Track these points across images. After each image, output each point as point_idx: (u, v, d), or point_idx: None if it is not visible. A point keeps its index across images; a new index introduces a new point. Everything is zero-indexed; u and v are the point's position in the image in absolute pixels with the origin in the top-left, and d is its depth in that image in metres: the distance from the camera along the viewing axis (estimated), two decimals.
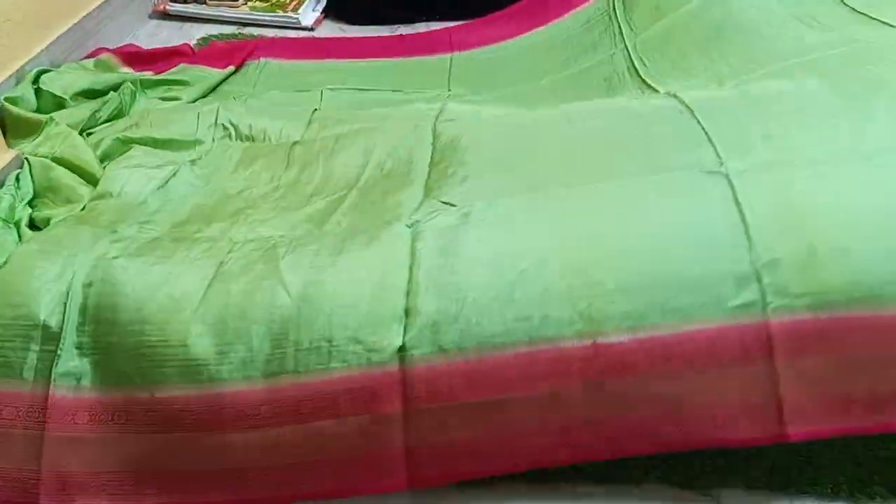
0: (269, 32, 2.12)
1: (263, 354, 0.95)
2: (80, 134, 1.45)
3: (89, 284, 1.02)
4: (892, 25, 1.31)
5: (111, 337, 0.99)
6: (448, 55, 1.90)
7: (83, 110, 1.52)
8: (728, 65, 1.38)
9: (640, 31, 1.67)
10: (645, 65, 1.55)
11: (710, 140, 1.07)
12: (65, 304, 1.01)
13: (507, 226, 1.01)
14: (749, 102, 1.17)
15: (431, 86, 1.76)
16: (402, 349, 0.93)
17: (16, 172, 1.36)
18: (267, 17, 2.16)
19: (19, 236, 1.21)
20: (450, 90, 1.73)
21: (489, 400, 0.92)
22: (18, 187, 1.32)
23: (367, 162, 1.30)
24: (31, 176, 1.34)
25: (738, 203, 0.96)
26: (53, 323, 1.00)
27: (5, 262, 1.08)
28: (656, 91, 1.41)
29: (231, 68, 1.83)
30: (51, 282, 1.03)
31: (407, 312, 0.94)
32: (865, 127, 1.05)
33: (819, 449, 0.99)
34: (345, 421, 0.93)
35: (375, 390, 0.92)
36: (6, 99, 1.50)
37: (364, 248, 1.02)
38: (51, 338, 0.99)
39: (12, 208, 1.25)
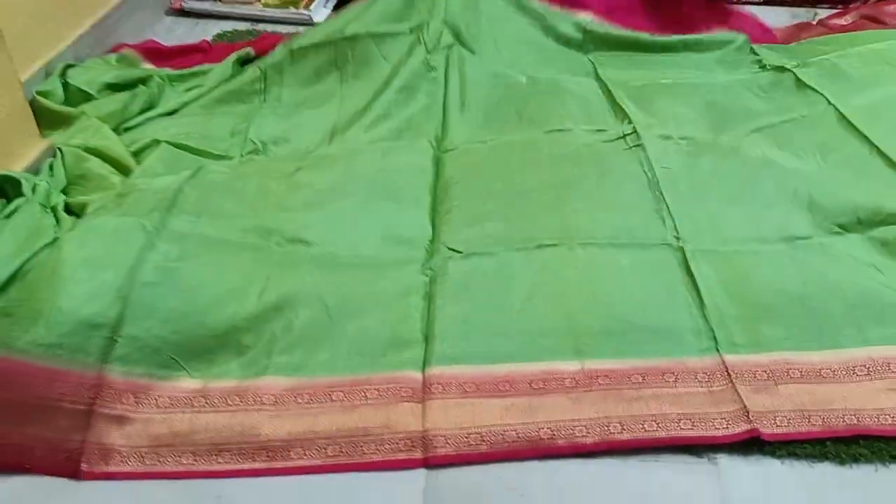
0: (282, 29, 2.19)
1: (305, 359, 1.14)
2: (118, 127, 1.53)
3: (154, 284, 1.14)
4: (826, 98, 1.63)
5: (173, 335, 1.12)
6: None
7: (114, 103, 1.60)
8: (686, 112, 1.66)
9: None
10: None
11: (670, 213, 1.37)
12: (125, 297, 1.11)
13: (506, 274, 1.26)
14: (700, 180, 1.46)
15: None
16: (422, 361, 1.14)
17: (49, 161, 1.43)
18: (279, 13, 2.22)
19: (56, 220, 1.28)
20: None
21: (493, 399, 1.09)
22: (52, 175, 1.40)
23: (382, 168, 1.50)
24: (64, 165, 1.42)
25: (691, 274, 1.25)
26: (114, 314, 1.10)
27: (51, 243, 1.17)
28: (627, 116, 1.63)
29: (248, 49, 1.91)
30: (109, 273, 1.13)
31: (426, 337, 1.17)
32: (790, 217, 1.37)
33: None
34: (370, 408, 1.07)
35: (398, 388, 1.10)
36: (38, 92, 1.58)
37: (391, 284, 1.24)
38: (110, 326, 1.09)
39: (48, 194, 1.33)
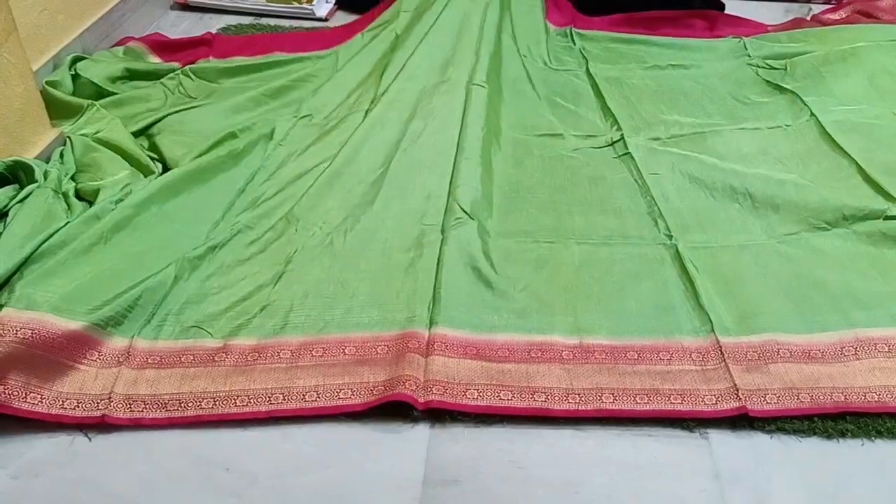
0: (285, 23, 2.23)
1: (319, 318, 1.22)
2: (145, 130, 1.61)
3: (198, 269, 1.28)
4: (810, 109, 1.72)
5: (200, 312, 1.21)
6: None
7: (134, 106, 1.67)
8: (673, 117, 1.74)
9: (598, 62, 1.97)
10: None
11: (662, 216, 1.43)
12: (171, 284, 1.23)
13: (507, 259, 1.33)
14: (688, 181, 1.53)
15: None
16: (428, 320, 1.20)
17: (59, 149, 1.47)
18: (283, 7, 2.26)
19: (68, 205, 1.32)
20: None
21: (492, 363, 1.14)
22: (62, 162, 1.44)
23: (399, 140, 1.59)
24: (73, 153, 1.46)
25: (684, 267, 1.31)
26: (158, 297, 1.22)
27: (110, 229, 1.29)
28: (616, 122, 1.72)
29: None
30: (161, 262, 1.26)
31: (434, 299, 1.23)
32: (776, 216, 1.44)
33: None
34: (380, 361, 1.14)
35: (406, 342, 1.16)
36: (47, 83, 1.61)
37: (406, 251, 1.34)
38: (153, 305, 1.21)
39: (59, 180, 1.36)
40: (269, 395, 1.09)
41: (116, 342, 1.15)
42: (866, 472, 1.04)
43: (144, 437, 1.06)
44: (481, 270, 1.29)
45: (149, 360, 1.14)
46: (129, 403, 1.08)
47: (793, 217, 1.43)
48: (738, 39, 2.01)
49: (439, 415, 1.09)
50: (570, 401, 1.09)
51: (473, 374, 1.12)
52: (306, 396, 1.09)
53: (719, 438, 1.07)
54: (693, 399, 1.10)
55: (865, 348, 1.17)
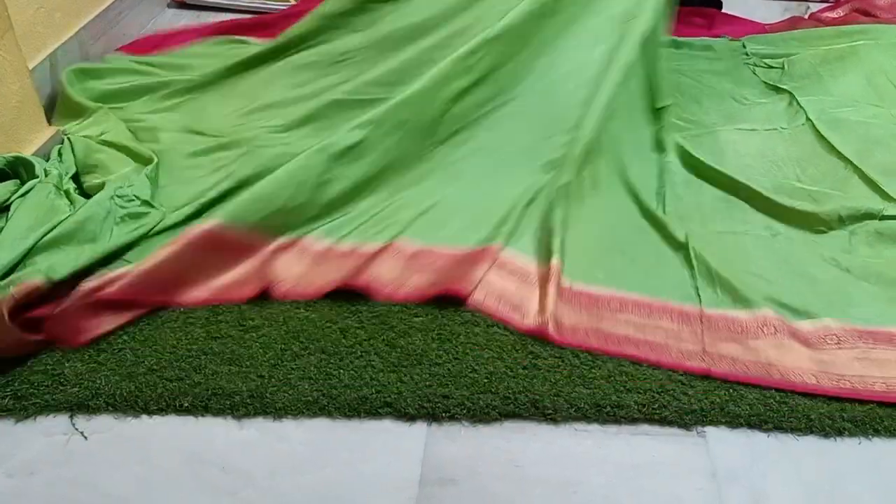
0: None
1: (430, 230, 1.37)
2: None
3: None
4: (805, 113, 1.71)
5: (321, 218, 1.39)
6: None
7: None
8: (670, 117, 1.72)
9: None
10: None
11: (663, 202, 1.48)
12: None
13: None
14: (684, 180, 1.56)
15: None
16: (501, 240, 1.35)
17: (57, 147, 1.47)
18: (281, 6, 2.25)
19: (70, 202, 1.32)
20: None
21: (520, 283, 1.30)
22: (61, 161, 1.44)
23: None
24: (73, 152, 1.45)
25: (681, 244, 1.36)
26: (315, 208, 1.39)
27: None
28: None
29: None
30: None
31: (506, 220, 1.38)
32: (773, 218, 1.46)
33: (793, 393, 1.12)
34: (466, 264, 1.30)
35: (481, 256, 1.31)
36: (67, 79, 1.63)
37: (513, 189, 1.46)
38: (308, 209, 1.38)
39: (60, 178, 1.36)
40: (388, 283, 1.26)
41: (261, 244, 1.31)
42: (863, 470, 1.04)
43: (140, 435, 1.06)
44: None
45: (283, 254, 1.31)
46: (278, 284, 1.25)
47: (788, 219, 1.44)
48: (735, 39, 2.01)
49: (436, 413, 1.08)
50: (551, 328, 1.19)
51: (507, 288, 1.28)
52: (404, 286, 1.26)
53: (716, 436, 1.07)
54: (660, 350, 1.17)
55: (850, 339, 1.19)
